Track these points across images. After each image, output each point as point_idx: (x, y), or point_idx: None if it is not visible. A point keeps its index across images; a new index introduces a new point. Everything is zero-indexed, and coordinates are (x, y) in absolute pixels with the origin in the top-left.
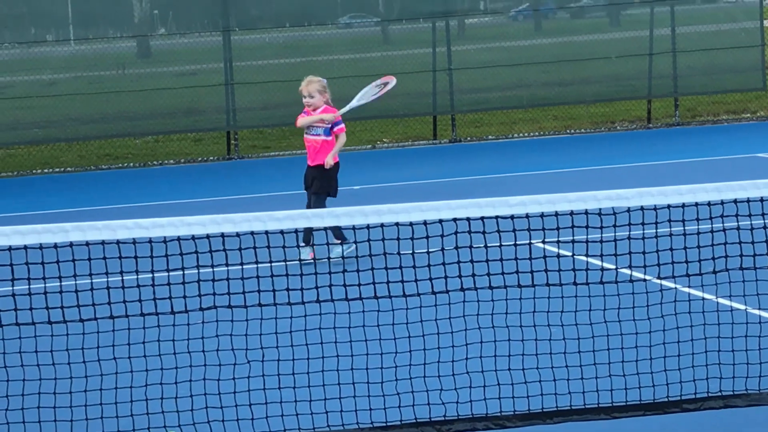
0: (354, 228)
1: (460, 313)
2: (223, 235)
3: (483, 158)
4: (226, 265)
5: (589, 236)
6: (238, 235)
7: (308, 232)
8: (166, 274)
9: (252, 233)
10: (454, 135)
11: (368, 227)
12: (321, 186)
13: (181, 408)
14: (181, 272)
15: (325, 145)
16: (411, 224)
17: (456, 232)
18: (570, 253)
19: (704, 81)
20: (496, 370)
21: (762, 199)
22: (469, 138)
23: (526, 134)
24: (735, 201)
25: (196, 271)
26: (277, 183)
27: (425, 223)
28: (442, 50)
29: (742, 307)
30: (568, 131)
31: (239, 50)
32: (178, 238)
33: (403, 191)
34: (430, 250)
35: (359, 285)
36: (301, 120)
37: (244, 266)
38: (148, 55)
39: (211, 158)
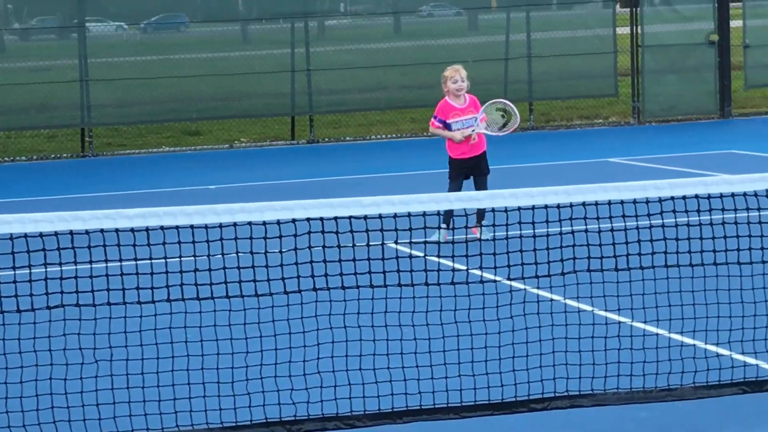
0: (207, 227)
1: (312, 313)
2: (71, 233)
3: (340, 159)
4: (74, 263)
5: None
6: (87, 232)
7: (448, 214)
8: (12, 272)
9: (102, 231)
10: (312, 136)
11: (221, 226)
12: (487, 166)
13: None
14: (13, 272)
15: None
16: (264, 223)
17: (309, 232)
18: (422, 254)
19: (558, 86)
20: (347, 369)
21: (610, 203)
22: (327, 139)
23: (383, 136)
24: (584, 204)
25: (44, 270)
26: (131, 181)
27: (278, 222)
28: (301, 51)
29: (589, 308)
30: (425, 134)
31: (95, 47)
32: (25, 235)
33: (260, 191)
34: (282, 249)
35: (211, 284)
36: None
37: (93, 265)
38: (2, 50)
39: (65, 155)
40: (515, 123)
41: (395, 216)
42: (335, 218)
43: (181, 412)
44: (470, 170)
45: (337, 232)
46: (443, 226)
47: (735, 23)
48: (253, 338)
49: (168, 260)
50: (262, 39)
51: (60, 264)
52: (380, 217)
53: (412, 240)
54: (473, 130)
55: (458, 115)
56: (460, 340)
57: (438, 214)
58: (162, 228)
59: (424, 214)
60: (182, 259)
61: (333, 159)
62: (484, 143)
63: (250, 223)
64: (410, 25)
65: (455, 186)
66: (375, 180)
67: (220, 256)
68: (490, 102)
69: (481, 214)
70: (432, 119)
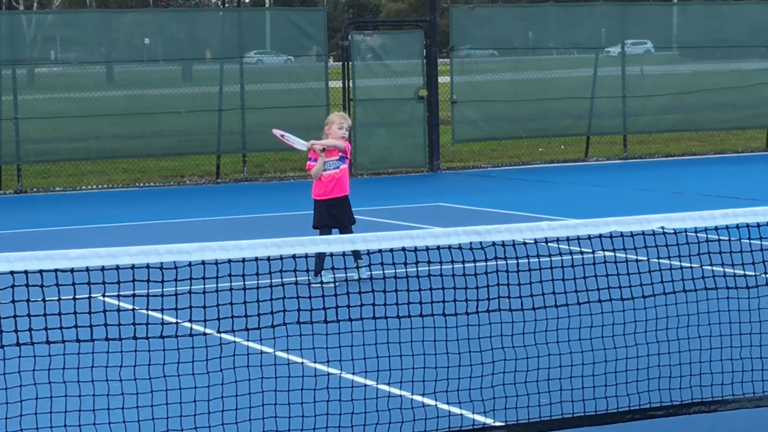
0: None
1: (16, 369)
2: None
3: (49, 210)
4: None
5: (150, 290)
6: None
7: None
8: None
9: None
10: (19, 186)
11: None
12: (350, 216)
13: None
14: None
15: (344, 173)
16: None
17: (13, 286)
18: (131, 307)
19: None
20: (51, 426)
21: (307, 256)
22: (35, 189)
23: (95, 186)
24: (294, 257)
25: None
26: None
27: None
28: (8, 99)
29: (300, 360)
30: (137, 184)
31: None
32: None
33: None
34: None
35: None
36: (317, 166)
37: None
38: None
39: None
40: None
41: (103, 269)
42: (40, 271)
43: None
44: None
45: (42, 285)
46: (325, 275)
47: (443, 79)
48: None
49: None
50: None
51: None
52: (87, 270)
53: (120, 293)
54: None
55: (328, 155)
56: (168, 395)
57: (147, 267)
58: None
59: (133, 267)
60: None
61: (41, 210)
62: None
63: None
64: (123, 74)
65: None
66: (85, 231)
67: None
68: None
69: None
70: (309, 162)
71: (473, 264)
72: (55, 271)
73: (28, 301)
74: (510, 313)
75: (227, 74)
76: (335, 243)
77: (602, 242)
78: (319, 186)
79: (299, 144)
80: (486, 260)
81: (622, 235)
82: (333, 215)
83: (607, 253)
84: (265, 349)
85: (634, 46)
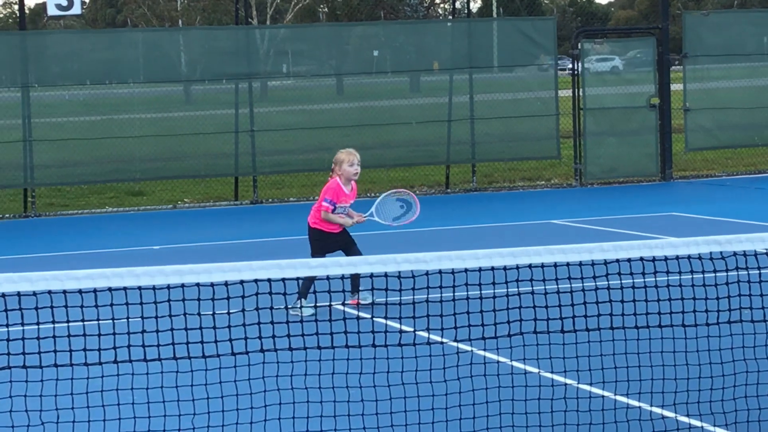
0: (154, 288)
1: (260, 375)
2: (19, 294)
3: (284, 219)
4: (22, 324)
5: (388, 299)
6: (35, 294)
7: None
8: None
9: (49, 292)
10: (255, 196)
11: (168, 287)
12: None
13: None
14: None
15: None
16: (212, 284)
17: (257, 294)
18: (369, 316)
19: (501, 148)
20: (294, 431)
21: (556, 265)
22: (270, 199)
23: None
24: (530, 266)
25: None
26: (74, 242)
27: (226, 283)
28: (244, 111)
29: (536, 370)
30: (368, 194)
31: (38, 107)
32: None
33: (204, 252)
34: (231, 311)
35: (158, 346)
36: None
37: (41, 326)
38: None
39: (7, 216)
40: (413, 216)
41: (342, 277)
42: (283, 279)
43: None
44: (340, 244)
45: (285, 294)
46: (359, 295)
47: (675, 86)
48: (200, 400)
49: (116, 321)
50: (205, 99)
51: (7, 325)
52: (327, 278)
53: (360, 302)
54: (365, 217)
55: (345, 201)
56: (407, 402)
57: (385, 275)
58: (110, 289)
59: (372, 276)
60: (129, 320)
61: (276, 219)
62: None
63: (198, 284)
64: (353, 86)
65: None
66: None
67: (168, 317)
68: (393, 192)
69: (355, 282)
70: (325, 203)
71: (713, 274)
72: (297, 279)
73: (271, 309)
74: (752, 324)
75: (456, 84)
76: (571, 253)
77: None
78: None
79: (379, 218)
80: (727, 270)
81: None
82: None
83: None
84: (501, 358)
85: None
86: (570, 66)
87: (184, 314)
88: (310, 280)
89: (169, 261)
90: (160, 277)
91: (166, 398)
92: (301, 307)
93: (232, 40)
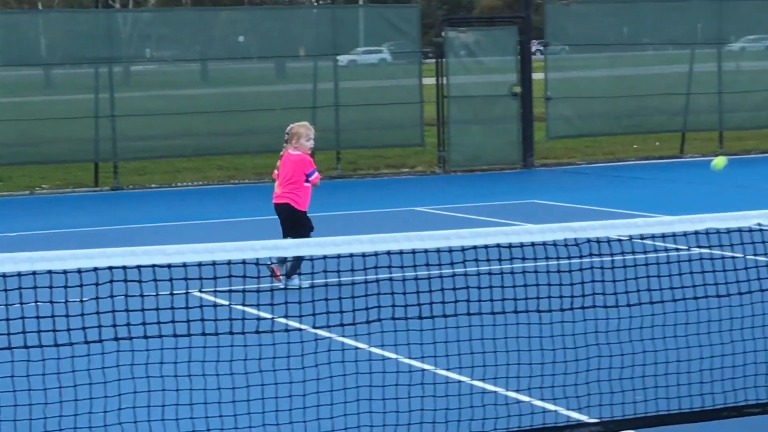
0: (4, 276)
1: (115, 363)
2: None
3: (146, 206)
4: None
5: (246, 286)
6: None
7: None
8: None
9: None
10: (116, 182)
11: (19, 275)
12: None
13: None
14: None
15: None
16: (65, 272)
17: (112, 281)
18: (227, 303)
19: (366, 135)
20: (149, 420)
21: (414, 251)
22: (132, 186)
23: (190, 183)
24: (388, 253)
25: None
26: None
27: (79, 271)
28: (105, 96)
29: (394, 356)
30: (232, 181)
31: None
32: None
33: (62, 239)
34: (84, 299)
35: (9, 334)
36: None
37: None
38: None
39: None
40: None
41: (200, 265)
42: (138, 267)
43: None
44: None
45: (140, 281)
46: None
47: (537, 75)
48: (52, 389)
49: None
50: (65, 84)
51: None
52: (184, 265)
53: (217, 288)
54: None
55: None
56: (264, 389)
57: (243, 263)
58: None
59: (229, 263)
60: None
61: (138, 206)
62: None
63: (50, 272)
64: (218, 72)
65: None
66: (181, 228)
67: (19, 305)
68: None
69: (296, 263)
70: (316, 173)
71: (568, 261)
72: (153, 266)
73: (126, 296)
74: (605, 310)
75: (321, 71)
76: (429, 240)
77: (698, 239)
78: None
79: None
80: (581, 257)
81: (718, 231)
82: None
83: (702, 250)
84: (359, 345)
85: (755, 42)
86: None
87: (36, 302)
88: (299, 259)
89: (25, 248)
90: (10, 264)
91: (17, 387)
92: (300, 281)
93: (94, 23)
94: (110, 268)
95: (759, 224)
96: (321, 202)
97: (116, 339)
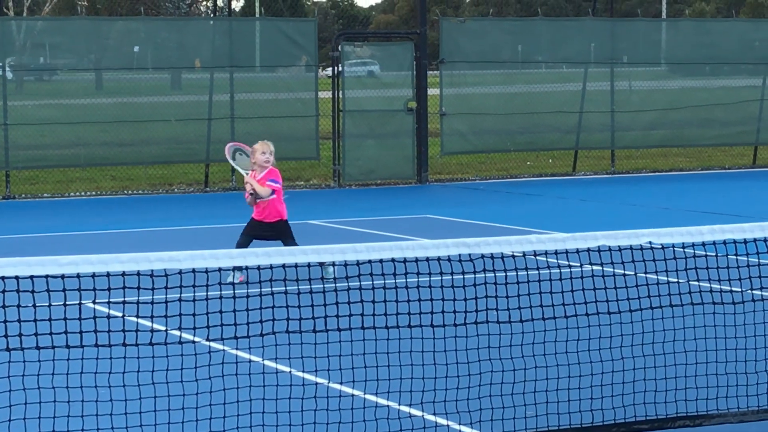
0: None
1: (5, 374)
2: None
3: (37, 216)
4: None
5: (140, 297)
6: None
7: None
8: None
9: None
10: (7, 192)
11: None
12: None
13: None
14: None
15: (275, 201)
16: None
17: (4, 291)
18: (121, 314)
19: None
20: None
21: (309, 265)
22: (23, 195)
23: (83, 193)
24: (283, 266)
25: None
26: None
27: None
28: None
29: (287, 369)
30: (126, 192)
31: None
32: None
33: None
34: None
35: None
36: (250, 200)
37: None
38: None
39: None
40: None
41: (94, 275)
42: (31, 277)
43: None
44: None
45: (32, 291)
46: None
47: (432, 91)
48: None
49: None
50: None
51: None
52: (78, 276)
53: (111, 300)
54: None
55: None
56: (157, 402)
57: (137, 274)
58: None
59: (124, 274)
60: None
61: (29, 216)
62: (280, 214)
63: None
64: (112, 81)
65: (244, 241)
66: (73, 238)
67: None
68: (234, 153)
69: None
70: (277, 185)
71: (462, 276)
72: (46, 277)
73: (18, 306)
74: (498, 325)
75: (217, 83)
76: (325, 253)
77: (590, 256)
78: (257, 210)
79: (242, 170)
80: (474, 272)
81: (610, 249)
82: (265, 237)
83: (594, 267)
84: (253, 357)
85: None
86: (329, 69)
87: None
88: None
89: None
90: None
91: None
92: (335, 270)
93: None
94: (2, 278)
95: (650, 242)
96: (215, 214)
97: (8, 349)
